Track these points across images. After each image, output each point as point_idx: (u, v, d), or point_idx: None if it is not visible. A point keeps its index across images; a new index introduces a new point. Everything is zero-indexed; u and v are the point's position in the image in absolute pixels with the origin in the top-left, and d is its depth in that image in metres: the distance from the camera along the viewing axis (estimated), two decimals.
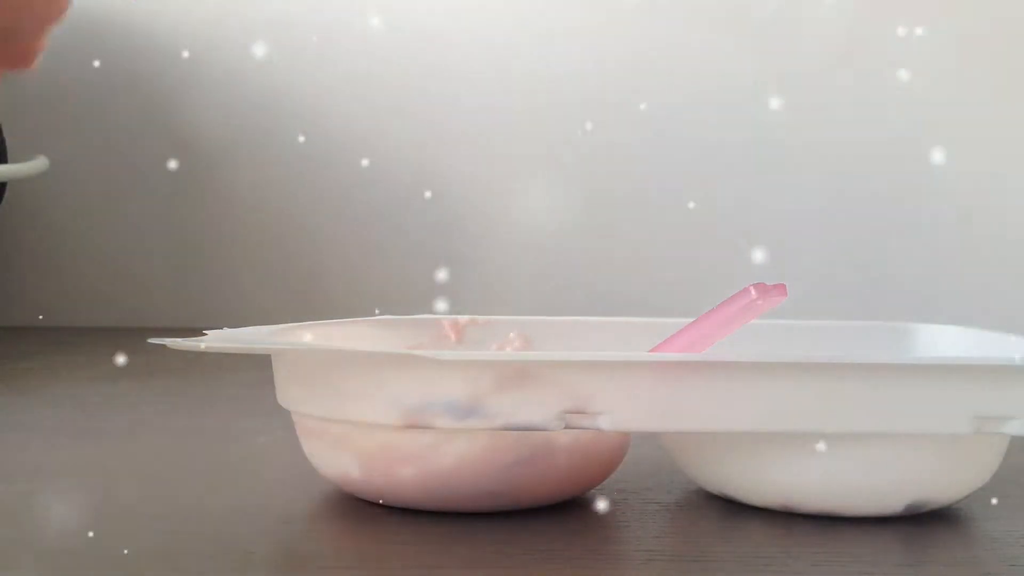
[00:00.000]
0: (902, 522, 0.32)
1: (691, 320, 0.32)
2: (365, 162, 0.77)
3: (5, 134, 0.66)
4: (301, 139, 0.77)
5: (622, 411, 0.29)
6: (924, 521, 0.32)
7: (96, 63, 0.78)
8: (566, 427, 0.29)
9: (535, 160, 0.77)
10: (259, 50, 0.79)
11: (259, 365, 0.35)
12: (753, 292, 0.28)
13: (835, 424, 0.30)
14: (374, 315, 0.40)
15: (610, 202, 0.77)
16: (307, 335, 0.37)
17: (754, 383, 0.29)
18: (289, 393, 0.32)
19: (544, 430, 0.29)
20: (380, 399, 0.29)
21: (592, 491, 0.34)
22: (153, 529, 0.30)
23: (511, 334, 0.41)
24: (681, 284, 0.75)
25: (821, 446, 0.29)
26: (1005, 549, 0.30)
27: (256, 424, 0.44)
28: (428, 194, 0.77)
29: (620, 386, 0.29)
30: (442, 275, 0.73)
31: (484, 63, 0.79)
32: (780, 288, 0.28)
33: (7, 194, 0.66)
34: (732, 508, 0.33)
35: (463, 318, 0.41)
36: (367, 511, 0.32)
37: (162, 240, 0.76)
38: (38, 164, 0.60)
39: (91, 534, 0.29)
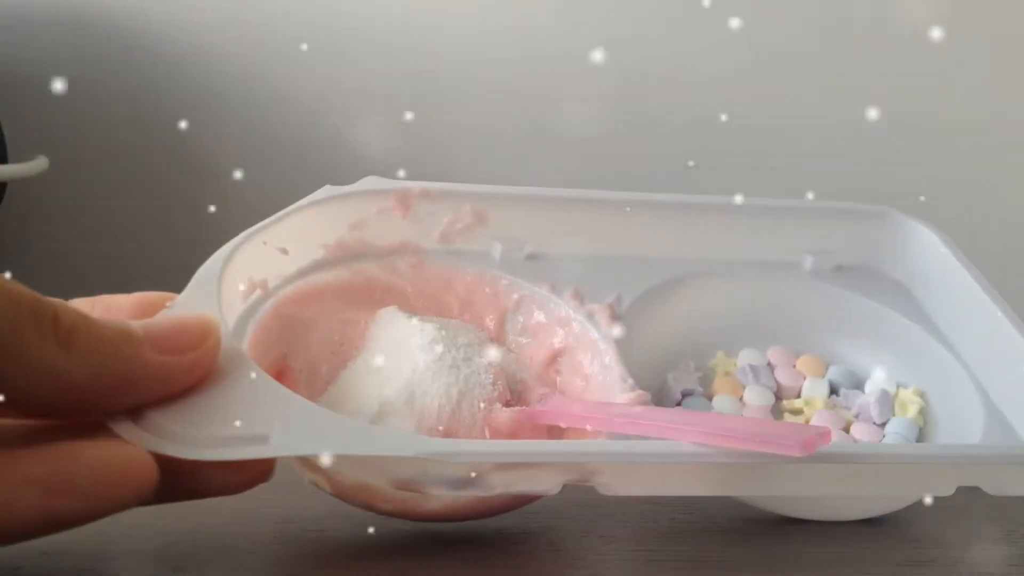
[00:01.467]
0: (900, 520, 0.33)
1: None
2: (370, 166, 0.68)
3: (5, 134, 0.56)
4: (305, 139, 0.67)
5: (622, 483, 0.28)
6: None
7: (98, 62, 0.69)
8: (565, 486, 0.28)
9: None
10: (262, 51, 0.69)
11: None
12: (797, 450, 0.25)
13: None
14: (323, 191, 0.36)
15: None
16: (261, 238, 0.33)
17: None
18: None
19: (544, 495, 0.28)
20: (371, 468, 0.27)
21: None
22: (152, 528, 0.29)
23: (466, 207, 0.37)
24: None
25: None
26: None
27: None
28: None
29: (623, 467, 0.27)
30: None
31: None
32: (825, 436, 0.26)
33: (7, 195, 0.61)
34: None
35: (415, 187, 0.37)
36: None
37: (165, 241, 0.71)
38: (37, 164, 0.51)
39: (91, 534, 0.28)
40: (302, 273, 0.35)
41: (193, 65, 0.74)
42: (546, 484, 0.27)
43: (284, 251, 0.34)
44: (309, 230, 0.35)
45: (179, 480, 0.25)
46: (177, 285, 0.29)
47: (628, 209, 0.37)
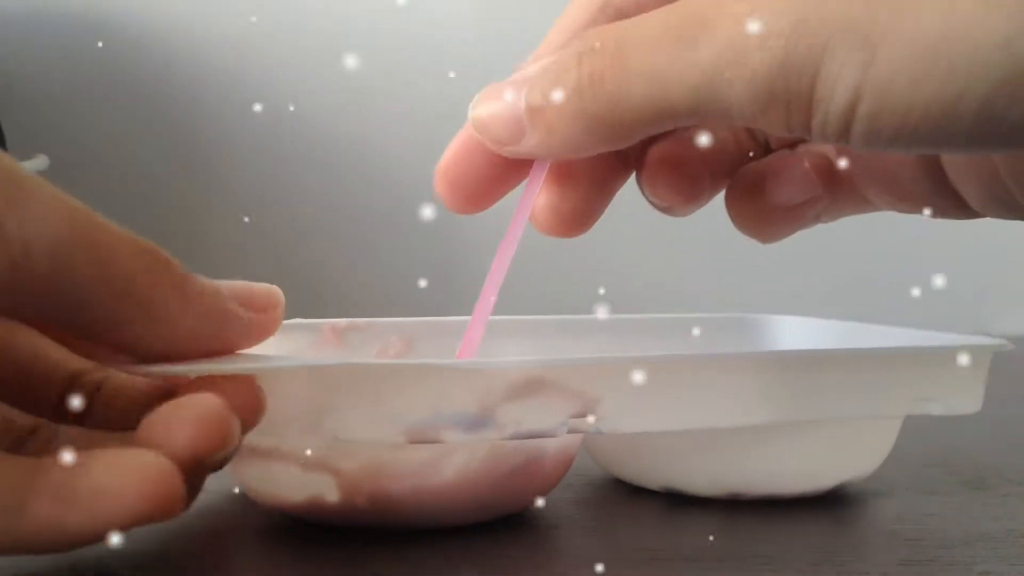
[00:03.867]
0: (832, 505, 0.34)
1: None
2: (369, 167, 0.74)
3: (6, 133, 0.58)
4: (304, 138, 0.74)
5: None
6: (849, 502, 0.34)
7: (98, 61, 0.74)
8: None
9: None
10: (261, 51, 0.76)
11: None
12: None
13: (799, 412, 0.31)
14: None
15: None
16: None
17: (749, 377, 0.29)
18: None
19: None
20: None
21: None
22: (152, 528, 0.27)
23: (392, 337, 0.39)
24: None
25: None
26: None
27: None
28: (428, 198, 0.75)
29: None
30: (430, 279, 0.74)
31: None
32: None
33: None
34: (671, 501, 0.34)
35: (342, 322, 0.39)
36: None
37: (164, 241, 0.72)
38: (37, 163, 0.55)
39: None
40: None
41: (198, 65, 0.73)
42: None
43: None
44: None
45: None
46: None
47: None
